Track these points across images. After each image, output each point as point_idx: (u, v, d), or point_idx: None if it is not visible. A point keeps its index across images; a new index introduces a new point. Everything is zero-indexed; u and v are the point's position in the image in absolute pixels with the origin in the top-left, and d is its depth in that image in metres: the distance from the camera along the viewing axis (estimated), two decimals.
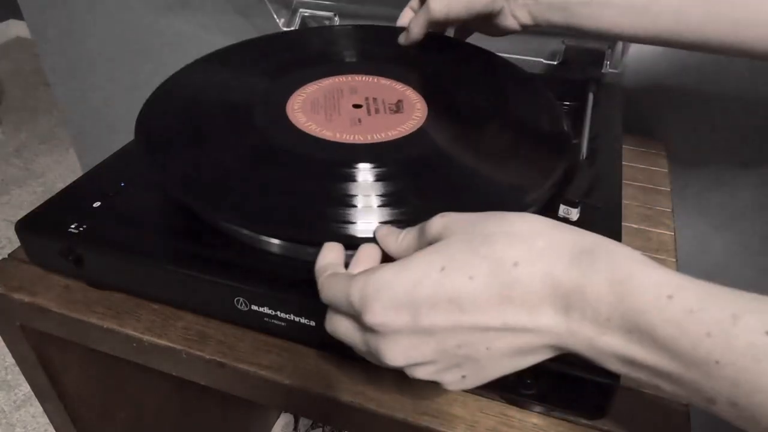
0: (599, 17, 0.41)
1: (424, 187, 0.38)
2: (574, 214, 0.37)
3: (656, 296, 0.21)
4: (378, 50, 0.55)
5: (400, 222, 0.34)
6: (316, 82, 0.48)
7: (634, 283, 0.22)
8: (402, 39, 0.51)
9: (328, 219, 0.34)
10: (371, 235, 0.31)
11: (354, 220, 0.34)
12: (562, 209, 0.38)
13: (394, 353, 0.25)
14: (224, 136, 0.42)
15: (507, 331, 0.24)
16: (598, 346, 0.23)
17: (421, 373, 0.26)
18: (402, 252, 0.29)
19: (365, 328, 0.26)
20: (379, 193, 0.37)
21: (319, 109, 0.44)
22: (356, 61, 0.53)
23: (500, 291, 0.23)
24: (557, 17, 0.43)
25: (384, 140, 0.41)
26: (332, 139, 0.41)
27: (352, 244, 0.32)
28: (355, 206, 0.35)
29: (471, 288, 0.23)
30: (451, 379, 0.26)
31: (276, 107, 0.44)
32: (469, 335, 0.24)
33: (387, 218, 0.35)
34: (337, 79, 0.49)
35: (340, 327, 0.28)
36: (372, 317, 0.24)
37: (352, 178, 0.38)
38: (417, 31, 0.49)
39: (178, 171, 0.38)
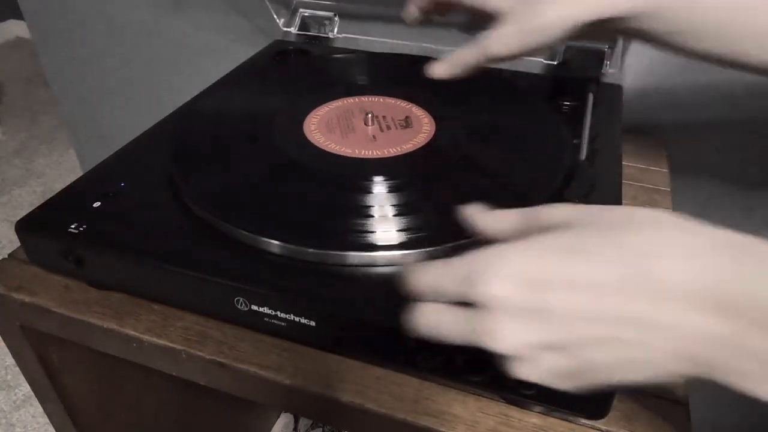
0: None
1: (459, 186, 0.41)
2: None
3: None
4: (380, 73, 0.59)
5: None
6: (327, 104, 0.51)
7: None
8: (443, 72, 0.40)
9: (395, 229, 0.36)
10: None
11: (413, 226, 0.36)
12: None
13: (504, 334, 0.23)
14: (251, 158, 0.44)
15: (628, 324, 0.22)
16: (762, 355, 0.21)
17: (526, 371, 0.23)
18: (503, 231, 0.27)
19: (473, 304, 0.23)
20: (423, 198, 0.39)
21: (334, 129, 0.47)
22: (362, 84, 0.57)
23: (629, 278, 0.22)
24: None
25: (401, 153, 0.44)
26: (353, 155, 0.43)
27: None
28: (405, 214, 0.37)
29: (597, 271, 0.22)
30: (550, 381, 0.24)
31: (294, 129, 0.47)
32: (584, 326, 0.22)
33: (437, 219, 0.36)
34: (346, 101, 0.52)
35: (433, 315, 0.25)
36: (487, 288, 0.22)
37: (394, 189, 0.40)
38: (464, 69, 0.40)
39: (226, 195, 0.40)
